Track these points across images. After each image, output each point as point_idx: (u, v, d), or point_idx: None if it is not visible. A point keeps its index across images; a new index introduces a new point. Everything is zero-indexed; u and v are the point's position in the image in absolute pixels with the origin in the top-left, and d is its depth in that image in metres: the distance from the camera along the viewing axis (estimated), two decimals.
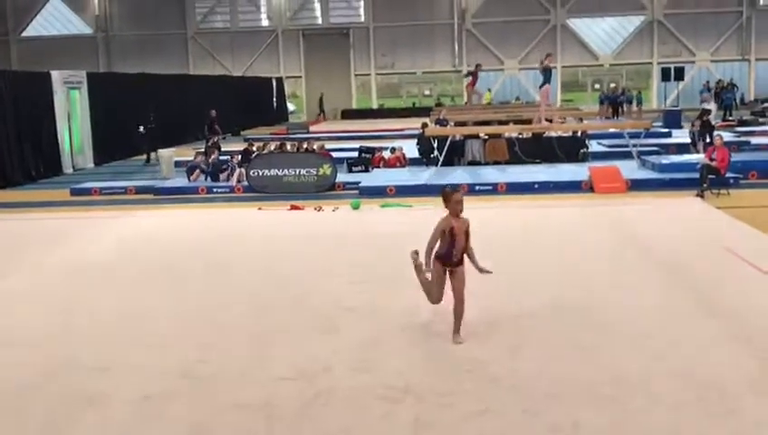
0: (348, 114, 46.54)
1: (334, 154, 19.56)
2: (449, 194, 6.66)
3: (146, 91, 27.35)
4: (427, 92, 49.84)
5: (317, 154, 18.46)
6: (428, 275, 6.79)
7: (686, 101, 40.24)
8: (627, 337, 6.77)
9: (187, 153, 22.59)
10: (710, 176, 14.50)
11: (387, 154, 20.39)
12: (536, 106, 23.93)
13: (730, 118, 32.76)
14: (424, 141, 19.99)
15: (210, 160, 18.33)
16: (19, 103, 20.05)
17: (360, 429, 5.25)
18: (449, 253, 6.65)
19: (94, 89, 24.23)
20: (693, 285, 8.45)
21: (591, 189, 15.49)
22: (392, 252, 10.25)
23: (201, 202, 16.19)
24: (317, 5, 48.69)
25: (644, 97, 40.67)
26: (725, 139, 16.54)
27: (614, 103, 33.76)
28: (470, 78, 24.02)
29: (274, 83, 44.99)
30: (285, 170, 16.82)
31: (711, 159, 14.78)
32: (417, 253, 7.01)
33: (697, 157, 17.23)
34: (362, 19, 47.99)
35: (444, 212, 6.74)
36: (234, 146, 24.70)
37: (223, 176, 17.80)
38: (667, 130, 26.54)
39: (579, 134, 20.57)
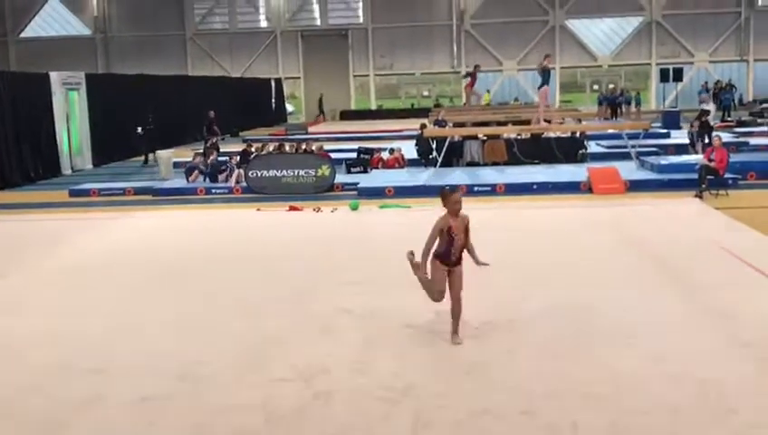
0: (346, 115, 46.55)
1: (333, 155, 19.54)
2: (448, 194, 6.66)
3: (144, 92, 27.33)
4: (425, 93, 49.86)
5: (316, 155, 18.45)
6: (429, 274, 6.78)
7: (684, 102, 40.28)
8: (625, 338, 6.76)
9: (185, 154, 22.58)
10: (709, 176, 14.51)
11: (385, 155, 20.38)
12: (535, 107, 23.95)
13: (728, 118, 32.78)
14: (422, 142, 19.99)
15: (209, 161, 18.32)
16: (17, 104, 20.03)
17: (358, 430, 5.24)
18: (448, 252, 6.65)
19: (93, 90, 24.22)
20: (691, 286, 8.45)
21: (590, 190, 15.49)
22: (391, 253, 10.24)
23: (200, 203, 16.19)
24: (316, 7, 48.70)
25: (642, 98, 40.69)
26: (724, 139, 16.54)
27: (613, 104, 33.78)
28: (469, 79, 24.03)
29: (273, 84, 45.00)
30: (284, 171, 16.82)
31: (710, 160, 14.79)
32: (412, 253, 7.02)
33: (696, 157, 17.24)
34: (361, 20, 48.00)
35: (443, 211, 6.74)
36: (232, 147, 24.70)
37: (221, 177, 17.79)
38: (665, 130, 26.55)
39: (577, 135, 20.58)
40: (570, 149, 19.72)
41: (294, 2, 48.57)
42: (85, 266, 10.31)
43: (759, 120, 30.15)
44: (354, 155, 20.73)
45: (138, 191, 17.61)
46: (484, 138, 19.78)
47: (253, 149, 19.88)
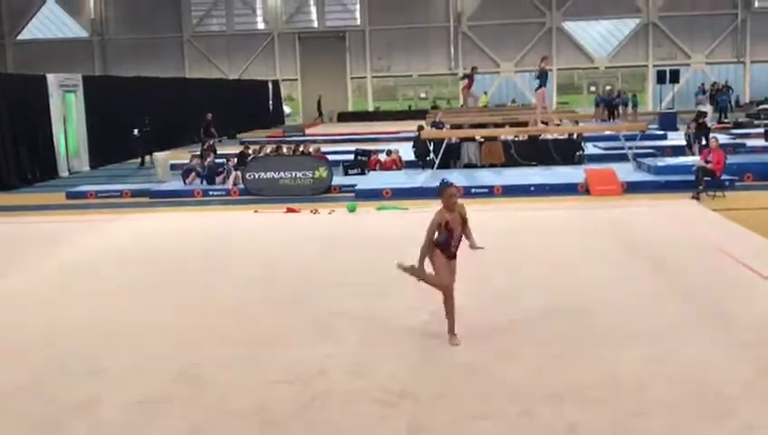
0: (344, 117, 46.56)
1: (330, 157, 19.55)
2: (444, 188, 6.69)
3: (142, 94, 27.33)
4: (422, 95, 49.87)
5: (313, 157, 18.45)
6: (432, 267, 6.76)
7: (681, 104, 40.31)
8: (622, 340, 6.77)
9: (182, 156, 22.56)
10: (705, 178, 14.52)
11: (383, 157, 20.39)
12: (532, 109, 23.95)
13: (725, 120, 32.80)
14: (420, 144, 20.00)
15: (206, 163, 18.31)
16: (15, 107, 20.02)
17: (355, 432, 5.24)
18: (448, 242, 6.68)
19: (90, 92, 24.21)
20: (688, 288, 8.45)
21: (587, 192, 15.50)
22: (388, 255, 10.23)
23: (197, 205, 16.17)
24: (313, 9, 48.71)
25: (639, 99, 40.64)
26: (721, 141, 16.56)
27: (610, 106, 33.78)
28: (466, 81, 24.03)
29: (270, 86, 44.99)
30: (281, 173, 16.81)
31: (706, 162, 14.80)
32: (399, 264, 7.02)
33: (693, 159, 17.25)
34: (358, 22, 48.01)
35: (438, 205, 6.76)
36: (230, 149, 24.65)
37: (219, 179, 17.78)
38: (662, 132, 26.56)
39: (575, 137, 20.59)
40: (567, 151, 19.72)
41: (291, 4, 48.58)
42: (82, 268, 10.30)
43: (756, 122, 30.17)
44: (351, 157, 20.73)
45: (135, 193, 17.59)
46: (482, 139, 19.79)
47: (250, 151, 19.88)
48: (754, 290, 8.28)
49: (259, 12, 49.27)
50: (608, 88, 38.85)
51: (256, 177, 16.90)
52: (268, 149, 21.11)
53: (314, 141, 26.28)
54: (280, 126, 41.28)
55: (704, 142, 18.67)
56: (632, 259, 9.84)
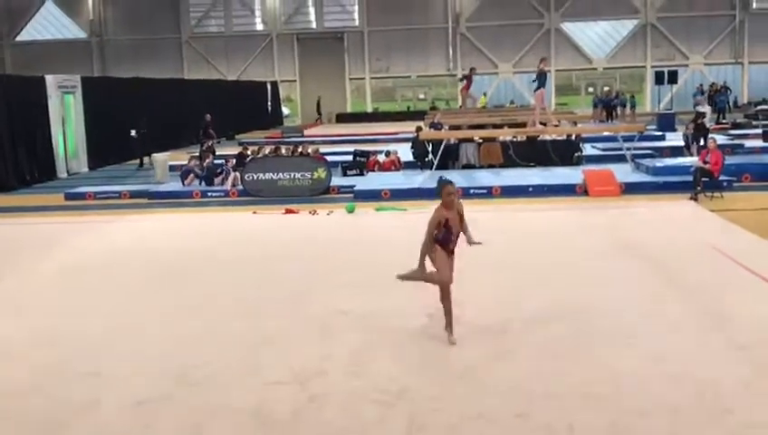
0: (343, 118, 46.56)
1: (329, 158, 19.54)
2: (443, 186, 6.72)
3: (140, 95, 27.33)
4: (421, 96, 49.89)
5: (312, 158, 18.45)
6: (434, 264, 6.77)
7: (679, 105, 40.34)
8: (622, 339, 6.78)
9: (181, 157, 22.54)
10: (704, 179, 14.53)
11: (381, 158, 20.40)
12: (530, 109, 23.98)
13: (723, 121, 32.83)
14: (418, 145, 20.00)
15: (205, 165, 18.31)
16: (13, 108, 20.01)
17: (353, 433, 5.25)
18: (447, 238, 6.72)
19: (89, 93, 24.19)
20: (686, 288, 8.47)
21: (586, 193, 15.51)
22: (387, 256, 10.26)
23: (195, 206, 16.16)
24: (311, 10, 48.73)
25: (638, 100, 40.69)
26: (719, 142, 16.58)
27: (608, 107, 33.79)
28: (465, 82, 24.05)
29: (269, 87, 45.00)
30: (280, 174, 16.82)
31: (705, 162, 14.82)
32: (399, 276, 7.04)
33: (691, 160, 17.27)
34: (357, 23, 48.04)
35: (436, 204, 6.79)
36: (228, 150, 24.66)
37: (217, 180, 17.78)
38: (660, 133, 26.57)
39: (573, 137, 20.61)
40: (565, 152, 19.74)
41: (290, 5, 48.60)
42: (82, 269, 10.30)
43: (754, 123, 30.18)
44: (350, 158, 20.73)
45: (133, 195, 17.58)
46: (480, 140, 19.80)
47: (249, 152, 19.88)
48: (752, 290, 8.29)
49: (257, 13, 49.29)
50: (606, 89, 38.85)
51: (255, 178, 16.90)
52: (267, 150, 21.11)
53: (313, 142, 26.32)
54: (278, 127, 41.29)
55: (702, 143, 18.69)
56: (630, 260, 9.85)
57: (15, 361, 6.83)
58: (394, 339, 7.01)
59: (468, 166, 19.49)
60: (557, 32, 46.50)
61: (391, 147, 22.22)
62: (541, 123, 19.57)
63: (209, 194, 17.24)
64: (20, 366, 6.67)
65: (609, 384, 5.82)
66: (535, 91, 19.59)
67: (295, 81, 48.96)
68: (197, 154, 20.18)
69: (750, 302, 7.81)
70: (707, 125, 21.89)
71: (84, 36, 49.42)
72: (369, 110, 48.41)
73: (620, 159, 18.83)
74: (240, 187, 17.05)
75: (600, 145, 22.91)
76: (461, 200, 6.90)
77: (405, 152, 20.80)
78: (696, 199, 14.26)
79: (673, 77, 38.28)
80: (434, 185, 7.14)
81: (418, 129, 21.24)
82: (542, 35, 46.37)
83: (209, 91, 35.68)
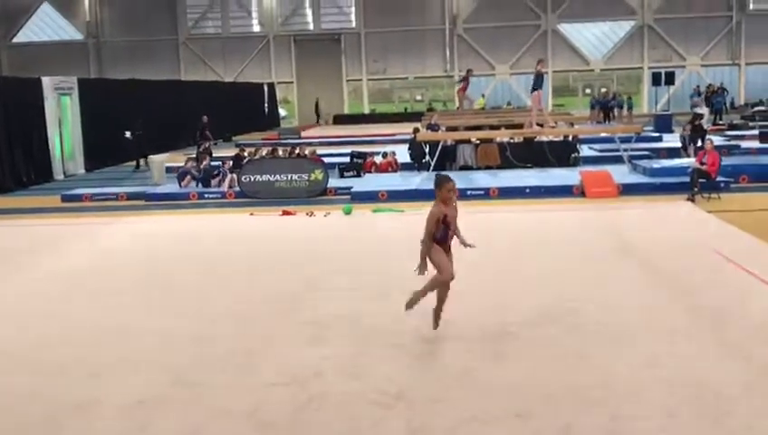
0: (340, 119, 46.58)
1: (326, 159, 19.54)
2: (443, 182, 6.68)
3: (137, 97, 27.30)
4: (418, 98, 49.93)
5: (309, 159, 18.45)
6: (433, 263, 6.75)
7: (676, 106, 40.44)
8: (618, 341, 6.77)
9: (178, 159, 22.52)
10: (701, 180, 14.55)
11: (378, 159, 20.40)
12: (527, 111, 23.98)
13: (720, 122, 32.88)
14: (415, 146, 20.00)
15: (202, 166, 18.30)
16: (10, 109, 19.99)
17: (352, 434, 5.23)
18: (445, 236, 6.70)
19: (85, 95, 24.18)
20: (684, 290, 8.46)
21: (583, 194, 15.52)
22: (384, 257, 10.27)
23: (192, 208, 16.14)
24: (308, 11, 48.77)
25: (635, 102, 40.78)
26: (716, 143, 16.60)
27: (605, 108, 33.85)
28: (462, 83, 24.06)
29: (266, 89, 44.99)
30: (277, 176, 16.81)
31: (702, 163, 14.83)
32: (407, 306, 7.02)
33: (688, 161, 17.29)
34: (354, 25, 48.07)
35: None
36: (225, 151, 24.66)
37: (214, 182, 17.77)
38: (657, 134, 26.62)
39: (570, 139, 20.62)
40: (562, 153, 19.76)
41: (287, 6, 48.63)
42: (78, 271, 10.28)
43: (750, 124, 30.24)
44: (347, 159, 20.73)
45: (130, 196, 17.56)
46: (477, 142, 19.81)
47: (246, 154, 19.88)
48: (749, 291, 8.28)
49: (254, 14, 49.33)
50: (603, 90, 38.90)
51: (252, 179, 16.89)
52: (264, 151, 21.11)
53: (310, 144, 26.32)
54: (275, 129, 41.28)
55: (700, 144, 18.71)
56: (628, 261, 9.84)
57: (13, 362, 6.81)
58: (392, 341, 6.99)
59: (465, 167, 19.50)
60: (554, 33, 46.57)
61: (388, 148, 22.23)
62: (538, 124, 19.57)
63: (206, 196, 17.22)
64: (18, 367, 6.65)
65: (606, 386, 5.81)
66: (532, 92, 19.60)
67: (292, 82, 48.98)
68: (194, 156, 20.15)
69: (747, 302, 7.80)
70: (704, 126, 21.93)
71: (81, 38, 49.41)
72: (367, 111, 48.44)
73: (617, 160, 18.85)
74: (237, 188, 17.04)
75: (597, 146, 22.93)
76: (457, 202, 6.87)
77: (402, 154, 20.81)
78: (693, 200, 14.26)
79: (670, 78, 38.36)
80: (431, 186, 7.10)
81: (416, 130, 21.23)
82: (538, 37, 46.44)
83: (206, 92, 35.67)
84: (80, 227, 13.99)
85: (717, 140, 20.80)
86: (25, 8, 49.17)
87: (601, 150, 22.03)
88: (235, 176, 17.31)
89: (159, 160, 20.47)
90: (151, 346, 7.10)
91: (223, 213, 15.26)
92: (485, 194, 15.88)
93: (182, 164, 19.09)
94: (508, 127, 20.84)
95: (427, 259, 6.74)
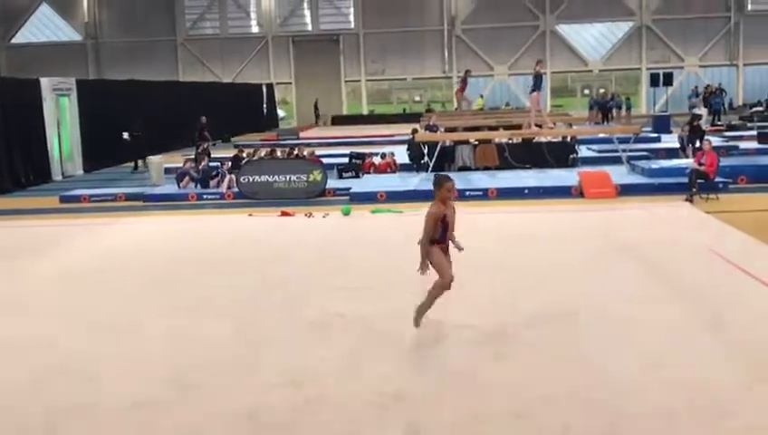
0: (338, 120, 46.55)
1: (325, 160, 19.54)
2: (443, 182, 6.68)
3: (135, 97, 27.26)
4: (417, 98, 49.93)
5: (307, 160, 18.45)
6: (432, 265, 6.75)
7: (674, 107, 40.47)
8: (616, 342, 6.77)
9: (176, 160, 22.51)
10: (699, 180, 14.56)
11: (377, 160, 20.40)
12: (526, 112, 23.99)
13: (718, 123, 32.91)
14: (414, 147, 20.01)
15: (200, 167, 18.29)
16: (8, 110, 19.96)
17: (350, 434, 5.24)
18: (443, 237, 6.73)
19: (84, 96, 24.14)
20: (682, 290, 8.47)
21: (581, 195, 15.52)
22: (382, 258, 10.27)
23: (191, 209, 16.13)
24: (307, 12, 48.75)
25: (633, 102, 40.84)
26: (714, 143, 16.61)
27: (603, 109, 33.89)
28: (460, 84, 24.07)
29: (264, 90, 44.97)
30: (276, 177, 16.79)
31: (700, 164, 14.84)
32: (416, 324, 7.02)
33: (686, 162, 17.30)
34: (352, 26, 48.07)
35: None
36: (224, 152, 24.66)
37: (213, 182, 17.76)
38: (656, 135, 26.63)
39: (568, 139, 20.63)
40: (561, 154, 19.77)
41: (285, 7, 48.62)
42: (77, 272, 10.28)
43: (749, 125, 30.26)
44: (346, 160, 20.72)
45: (129, 197, 17.54)
46: (476, 142, 19.82)
47: (244, 155, 19.86)
48: (747, 292, 8.29)
49: (253, 15, 49.31)
50: (601, 91, 38.96)
51: (251, 180, 16.89)
52: (262, 152, 21.10)
53: (309, 145, 26.30)
54: (274, 129, 41.25)
55: (698, 145, 18.71)
56: (626, 261, 9.85)
57: (12, 363, 6.80)
58: (390, 341, 6.99)
59: (464, 168, 19.50)
60: (552, 34, 46.58)
61: (387, 149, 22.20)
62: (536, 126, 19.58)
63: (205, 197, 17.21)
64: (17, 368, 6.65)
65: (605, 387, 5.81)
66: (531, 93, 19.60)
67: (291, 83, 48.96)
68: (193, 156, 20.14)
69: (746, 303, 7.81)
70: (703, 127, 21.94)
71: (79, 39, 49.38)
72: (365, 112, 48.42)
73: (616, 160, 18.85)
74: (236, 189, 17.03)
75: (595, 147, 22.93)
76: (454, 204, 6.87)
77: (401, 154, 20.79)
78: (691, 201, 14.27)
79: (668, 79, 38.35)
80: (430, 187, 7.11)
81: (414, 131, 21.24)
82: (537, 37, 46.45)
83: (204, 93, 35.64)
84: (78, 227, 13.97)
85: (716, 140, 20.87)
86: (24, 9, 49.14)
87: (600, 151, 22.03)
88: (233, 177, 17.31)
89: (158, 161, 20.46)
90: (150, 346, 7.10)
91: (221, 214, 15.26)
92: (484, 195, 15.88)
93: (181, 165, 19.09)
94: (507, 128, 20.85)
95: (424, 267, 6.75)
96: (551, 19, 46.33)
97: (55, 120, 22.37)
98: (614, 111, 34.67)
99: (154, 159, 20.64)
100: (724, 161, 16.57)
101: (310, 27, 48.80)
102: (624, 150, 18.91)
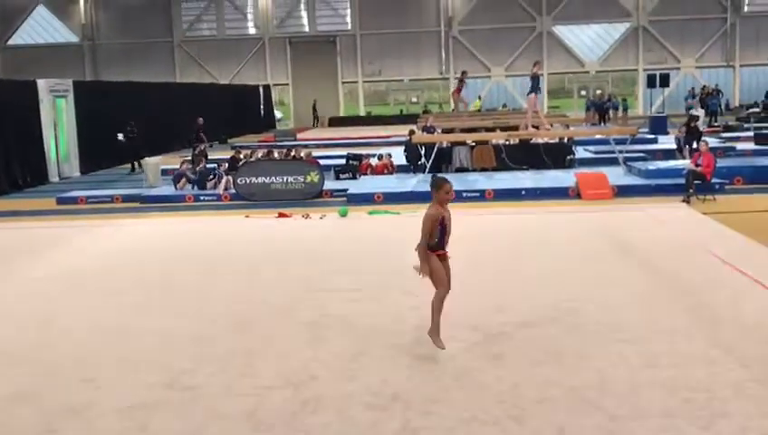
0: (335, 121, 46.57)
1: (322, 161, 19.55)
2: (441, 184, 6.62)
3: (132, 99, 27.26)
4: (414, 100, 49.96)
5: (304, 161, 18.45)
6: (432, 274, 6.65)
7: (671, 108, 40.48)
8: (613, 343, 6.78)
9: (173, 161, 22.50)
10: (696, 181, 14.58)
11: (374, 161, 20.40)
12: (523, 113, 24.01)
13: (715, 124, 32.97)
14: (411, 148, 20.02)
15: (197, 169, 18.28)
16: (5, 112, 19.94)
17: None
18: (441, 241, 6.60)
19: (80, 97, 24.14)
20: (679, 291, 8.48)
21: (578, 196, 15.53)
22: (379, 259, 10.27)
23: (188, 210, 16.13)
24: (304, 13, 48.76)
25: (630, 103, 40.89)
26: (711, 144, 16.63)
27: (600, 110, 33.95)
28: (456, 85, 24.08)
29: (261, 91, 44.97)
30: (273, 178, 16.79)
31: (697, 165, 14.86)
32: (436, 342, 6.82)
33: (683, 163, 17.32)
34: (349, 27, 48.08)
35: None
36: (221, 154, 24.65)
37: (210, 184, 17.76)
38: (652, 136, 26.66)
39: (565, 141, 20.65)
40: (558, 155, 19.78)
41: (282, 8, 48.63)
42: (74, 273, 10.26)
43: (745, 126, 30.32)
44: (343, 161, 20.73)
45: (126, 199, 17.55)
46: (473, 144, 19.83)
47: (241, 156, 19.86)
48: (744, 293, 8.29)
49: (250, 16, 49.31)
50: (598, 92, 39.05)
51: (248, 181, 16.88)
52: (259, 153, 21.10)
53: (306, 146, 26.30)
54: (271, 131, 41.26)
55: (695, 146, 18.73)
56: (623, 262, 9.86)
57: (7, 365, 6.79)
58: (387, 342, 7.00)
59: (461, 169, 19.51)
60: (549, 35, 46.63)
61: (384, 150, 22.21)
62: (533, 127, 19.59)
63: (202, 198, 17.21)
64: (15, 369, 6.64)
65: (603, 387, 5.82)
66: (528, 94, 19.62)
67: (288, 84, 48.96)
68: (190, 158, 20.13)
69: (743, 304, 7.82)
70: (700, 128, 21.97)
71: (76, 40, 49.35)
72: (362, 113, 48.43)
73: (613, 162, 18.87)
74: (233, 190, 17.03)
75: (592, 148, 22.97)
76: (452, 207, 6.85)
77: (398, 156, 20.80)
78: (688, 202, 14.30)
79: (665, 80, 38.35)
80: (427, 188, 7.07)
81: (411, 132, 21.25)
82: (534, 39, 46.50)
83: (201, 94, 35.65)
84: (75, 229, 13.96)
85: (712, 141, 20.89)
86: (21, 10, 49.10)
87: (597, 152, 22.06)
88: (230, 178, 17.30)
89: (154, 163, 20.44)
90: (149, 347, 7.10)
91: (218, 215, 15.26)
92: (481, 196, 15.89)
93: (177, 166, 19.09)
94: (504, 129, 20.86)
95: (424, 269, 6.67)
96: (547, 20, 46.37)
97: (52, 122, 22.37)
98: (611, 112, 34.73)
99: (151, 161, 20.62)
100: (721, 162, 16.61)
101: (307, 28, 48.81)
102: (621, 152, 18.93)
